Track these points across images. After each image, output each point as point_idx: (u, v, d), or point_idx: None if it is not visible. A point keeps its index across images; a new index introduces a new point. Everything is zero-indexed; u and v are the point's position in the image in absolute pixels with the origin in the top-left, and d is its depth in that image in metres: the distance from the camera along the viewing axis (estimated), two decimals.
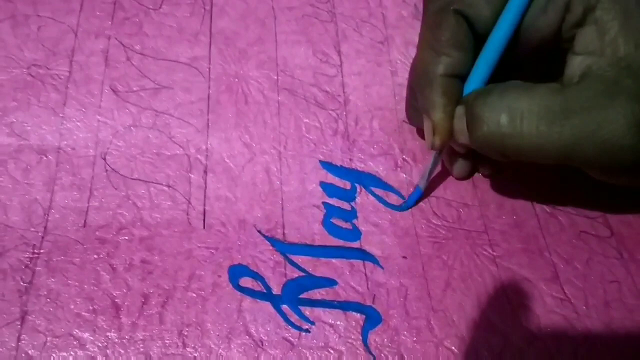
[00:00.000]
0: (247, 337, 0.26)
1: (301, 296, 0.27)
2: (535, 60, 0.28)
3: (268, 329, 0.26)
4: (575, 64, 0.26)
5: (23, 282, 0.25)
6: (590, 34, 0.25)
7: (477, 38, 0.27)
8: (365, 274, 0.28)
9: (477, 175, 0.32)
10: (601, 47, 0.25)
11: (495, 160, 0.28)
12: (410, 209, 0.30)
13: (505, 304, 0.28)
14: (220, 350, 0.25)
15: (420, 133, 0.33)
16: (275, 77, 0.34)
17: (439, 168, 0.32)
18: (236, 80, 0.33)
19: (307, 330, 0.26)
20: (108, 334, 0.25)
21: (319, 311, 0.27)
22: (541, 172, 0.33)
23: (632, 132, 0.23)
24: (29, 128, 0.29)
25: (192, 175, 0.30)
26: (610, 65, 0.24)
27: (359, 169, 0.31)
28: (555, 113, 0.24)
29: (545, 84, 0.25)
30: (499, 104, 0.25)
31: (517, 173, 0.32)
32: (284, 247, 0.28)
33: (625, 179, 0.26)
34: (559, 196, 0.32)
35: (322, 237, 0.29)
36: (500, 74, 0.27)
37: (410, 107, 0.32)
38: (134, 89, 0.32)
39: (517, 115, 0.25)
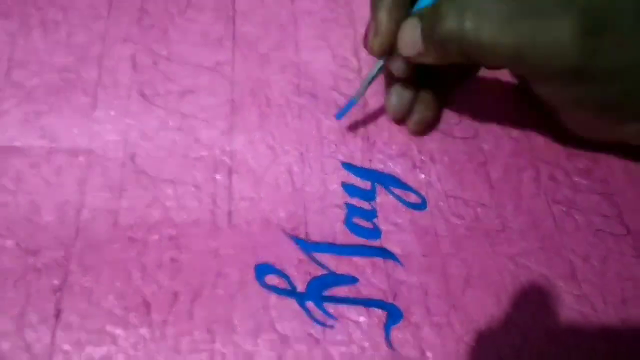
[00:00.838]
0: (274, 333, 0.27)
1: (325, 293, 0.28)
2: None
3: (293, 325, 0.27)
4: None
5: (57, 281, 0.26)
6: None
7: None
8: (387, 272, 0.29)
9: (494, 176, 0.33)
10: None
11: (432, 102, 0.32)
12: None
13: (524, 301, 0.29)
14: (248, 345, 0.26)
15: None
16: (297, 82, 0.34)
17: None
18: (258, 84, 0.34)
19: (331, 327, 0.27)
20: (140, 330, 0.26)
21: (342, 308, 0.28)
22: (556, 174, 0.33)
23: (579, 36, 0.26)
24: (61, 131, 0.30)
25: (218, 176, 0.30)
26: None
27: (378, 169, 0.32)
28: (514, 13, 0.26)
29: None
30: (466, 3, 0.27)
31: (532, 173, 0.33)
32: (307, 246, 0.29)
33: (568, 92, 0.29)
34: (573, 195, 0.33)
35: (344, 236, 0.30)
36: None
37: (366, 36, 0.32)
38: (161, 92, 0.32)
39: (480, 14, 0.27)
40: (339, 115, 0.32)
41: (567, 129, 0.33)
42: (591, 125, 0.32)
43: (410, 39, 0.29)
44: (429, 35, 0.28)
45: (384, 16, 0.30)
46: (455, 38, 0.27)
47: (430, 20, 0.28)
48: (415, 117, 0.33)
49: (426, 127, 0.34)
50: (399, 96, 0.33)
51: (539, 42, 0.26)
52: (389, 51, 0.30)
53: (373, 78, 0.31)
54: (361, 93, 0.32)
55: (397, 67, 0.31)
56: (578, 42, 0.26)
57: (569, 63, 0.27)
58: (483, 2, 0.27)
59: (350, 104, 0.32)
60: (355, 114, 0.34)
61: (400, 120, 0.34)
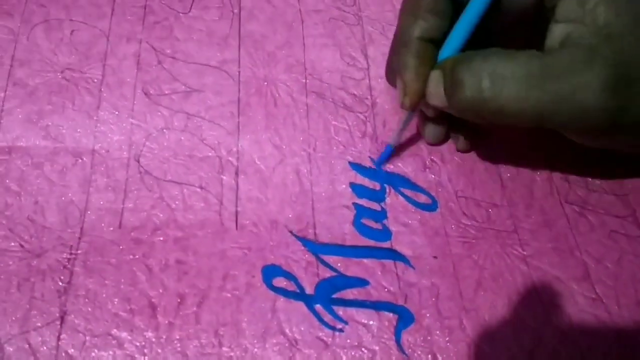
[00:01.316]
0: (282, 336, 0.26)
1: (334, 296, 0.27)
2: (517, 29, 0.29)
3: (302, 328, 0.26)
4: (556, 32, 0.27)
5: (62, 283, 0.26)
6: (571, 3, 0.26)
7: (458, 6, 0.29)
8: (397, 274, 0.28)
9: (505, 176, 0.32)
10: (582, 16, 0.26)
11: (468, 130, 0.31)
12: (436, 211, 0.31)
13: (537, 303, 0.28)
14: (256, 349, 0.26)
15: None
16: (304, 81, 0.34)
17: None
18: (265, 83, 0.33)
19: (340, 330, 0.27)
20: (145, 333, 0.25)
21: (351, 311, 0.27)
22: (569, 174, 0.33)
23: (606, 95, 0.25)
24: (64, 131, 0.30)
25: (224, 177, 0.30)
26: (590, 33, 0.25)
27: (387, 169, 0.32)
28: (535, 77, 0.25)
29: (526, 50, 0.26)
30: (481, 69, 0.26)
31: (545, 172, 0.32)
32: (315, 247, 0.29)
33: (600, 141, 0.28)
34: (587, 195, 0.32)
35: (353, 238, 0.29)
36: (483, 43, 0.28)
37: (390, 69, 0.33)
38: (166, 92, 0.32)
39: (499, 80, 0.26)
40: (379, 163, 0.32)
41: None
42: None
43: (436, 94, 0.28)
44: (450, 100, 0.27)
45: (411, 77, 0.29)
46: (476, 107, 0.27)
47: (449, 83, 0.27)
48: (460, 139, 0.32)
49: (473, 144, 0.33)
50: (434, 126, 0.32)
51: (563, 106, 0.25)
52: (418, 103, 0.29)
53: (405, 125, 0.31)
54: (396, 140, 0.31)
55: (429, 112, 0.31)
56: (604, 101, 0.25)
57: (596, 121, 0.25)
58: (500, 65, 0.26)
59: (388, 151, 0.32)
60: (364, 115, 0.33)
61: (439, 144, 0.33)
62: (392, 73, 0.32)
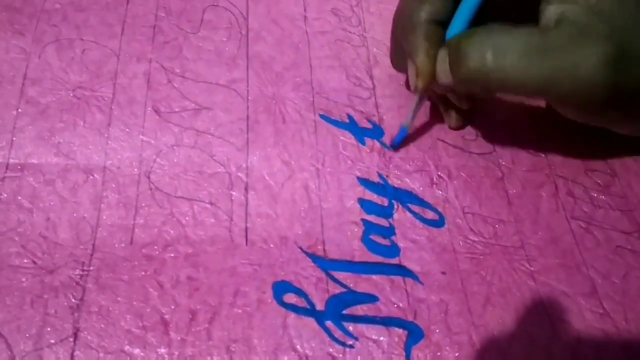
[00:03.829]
0: (293, 352, 0.26)
1: (344, 312, 0.28)
2: (512, 8, 0.30)
3: (313, 344, 0.26)
4: (550, 12, 0.28)
5: (74, 299, 0.26)
6: None
7: None
8: (406, 290, 0.29)
9: (512, 192, 0.32)
10: None
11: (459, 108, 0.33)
12: (445, 223, 0.31)
13: (545, 318, 0.29)
14: None
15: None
16: (311, 99, 0.34)
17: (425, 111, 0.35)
18: (273, 101, 0.34)
19: (351, 346, 0.27)
20: (158, 350, 0.25)
21: (361, 327, 0.27)
22: (574, 189, 0.33)
23: (603, 70, 0.26)
24: (76, 148, 0.30)
25: (234, 193, 0.30)
26: (583, 12, 0.27)
27: (395, 185, 0.32)
28: (535, 50, 0.27)
29: (525, 26, 0.28)
30: (485, 42, 0.27)
31: (550, 188, 0.33)
32: (325, 264, 0.29)
33: (595, 117, 0.29)
34: (593, 211, 0.32)
35: (361, 254, 0.29)
36: (479, 23, 0.29)
37: (395, 55, 0.34)
38: (176, 109, 0.32)
39: (501, 52, 0.27)
40: (394, 146, 0.33)
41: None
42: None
43: (443, 70, 0.29)
44: (455, 73, 0.29)
45: (423, 59, 0.30)
46: (479, 78, 0.28)
47: (454, 58, 0.28)
48: (453, 116, 0.34)
49: (465, 122, 0.35)
50: (456, 119, 0.34)
51: (564, 76, 0.26)
52: (430, 85, 0.31)
53: (417, 109, 0.32)
54: (409, 123, 0.33)
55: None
56: (601, 76, 0.26)
57: (593, 96, 0.27)
58: (503, 38, 0.27)
59: (402, 133, 0.33)
60: (371, 129, 0.34)
61: (461, 128, 0.35)
62: (400, 58, 0.33)
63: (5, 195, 0.28)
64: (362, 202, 0.31)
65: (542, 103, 0.36)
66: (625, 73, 0.26)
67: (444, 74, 0.29)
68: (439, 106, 0.35)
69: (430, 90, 0.32)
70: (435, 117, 0.35)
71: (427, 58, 0.30)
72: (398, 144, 0.33)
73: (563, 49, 0.26)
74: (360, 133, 0.33)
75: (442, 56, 0.29)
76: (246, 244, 0.29)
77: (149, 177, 0.30)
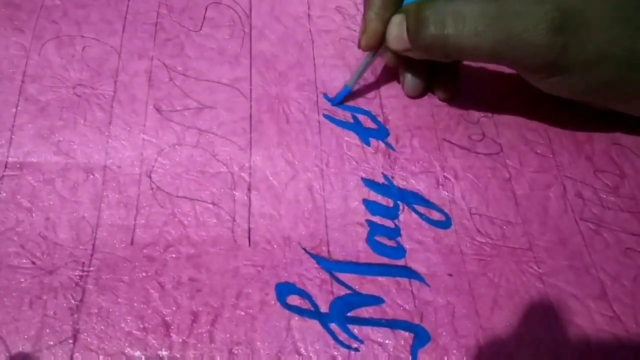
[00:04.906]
0: (297, 355, 0.25)
1: (349, 314, 0.27)
2: None
3: (317, 347, 0.26)
4: None
5: (74, 300, 0.25)
6: None
7: None
8: (412, 292, 0.28)
9: (519, 193, 0.32)
10: None
11: (446, 80, 0.34)
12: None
13: (554, 321, 0.28)
14: None
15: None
16: (315, 98, 0.34)
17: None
18: (277, 100, 0.33)
19: (356, 349, 0.26)
20: (159, 352, 0.25)
21: (367, 329, 0.27)
22: (583, 191, 0.32)
23: (550, 34, 0.28)
24: (76, 146, 0.30)
25: (236, 193, 0.30)
26: None
27: (400, 186, 0.31)
28: (490, 17, 0.28)
29: None
30: (444, 9, 0.29)
31: (559, 189, 0.32)
32: (329, 265, 0.28)
33: (551, 82, 0.30)
34: (602, 212, 0.32)
35: (367, 255, 0.29)
36: None
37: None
38: (178, 108, 0.32)
39: (460, 18, 0.29)
40: (334, 102, 0.34)
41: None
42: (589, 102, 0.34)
43: (397, 36, 0.31)
44: (414, 38, 0.30)
45: (372, 15, 0.31)
46: (438, 43, 0.29)
47: (414, 24, 0.30)
48: (441, 88, 0.35)
49: (453, 93, 0.35)
50: (411, 78, 0.34)
51: (514, 42, 0.28)
52: (377, 46, 0.32)
53: (364, 69, 0.33)
54: (353, 82, 0.34)
55: (388, 58, 0.34)
56: (549, 39, 0.28)
57: (543, 59, 0.29)
58: (460, 6, 0.29)
59: (345, 91, 0.34)
60: (376, 130, 0.33)
61: (417, 97, 0.35)
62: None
63: (4, 194, 0.28)
64: (367, 203, 0.31)
65: (550, 104, 0.35)
66: (573, 37, 0.28)
67: (396, 39, 0.31)
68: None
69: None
70: (439, 116, 0.34)
71: (376, 16, 0.31)
72: (338, 102, 0.34)
73: (515, 16, 0.28)
74: (365, 133, 0.33)
75: (397, 22, 0.30)
76: (249, 244, 0.28)
77: (150, 177, 0.29)
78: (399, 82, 0.35)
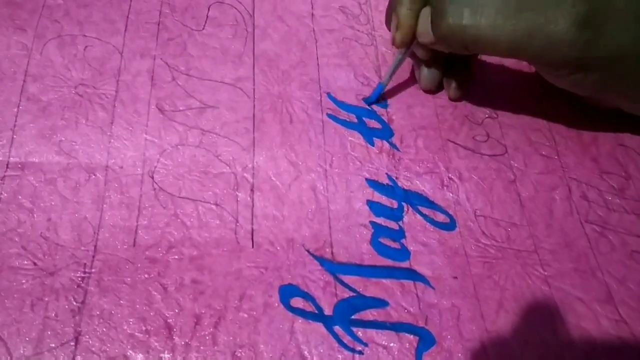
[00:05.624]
0: (301, 358, 0.25)
1: (353, 317, 0.27)
2: None
3: (321, 350, 0.26)
4: None
5: (76, 302, 0.25)
6: None
7: None
8: (417, 295, 0.28)
9: (524, 195, 0.32)
10: None
11: (460, 77, 0.34)
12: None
13: (560, 325, 0.28)
14: None
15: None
16: (319, 98, 0.34)
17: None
18: (280, 100, 0.33)
19: (360, 352, 0.26)
20: (162, 355, 0.24)
21: (371, 332, 0.26)
22: (588, 193, 0.32)
23: (574, 29, 0.27)
24: (77, 146, 0.29)
25: (239, 194, 0.29)
26: None
27: (405, 187, 0.31)
28: (510, 8, 0.28)
29: None
30: (464, 0, 0.29)
31: (564, 191, 0.32)
32: (333, 267, 0.28)
33: (570, 79, 0.30)
34: (607, 215, 0.32)
35: (371, 257, 0.29)
36: None
37: (388, 17, 0.34)
38: (180, 108, 0.32)
39: (478, 10, 0.28)
40: (369, 101, 0.34)
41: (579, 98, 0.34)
42: (598, 100, 0.33)
43: (424, 29, 0.31)
44: (434, 28, 0.30)
45: (404, 11, 0.31)
46: (457, 34, 0.29)
47: (435, 14, 0.30)
48: (452, 85, 0.34)
49: (464, 92, 0.35)
50: (428, 71, 0.34)
51: (535, 37, 0.28)
52: (411, 42, 0.32)
53: (397, 65, 0.33)
54: (387, 79, 0.34)
55: (420, 52, 0.33)
56: (572, 34, 0.27)
57: (564, 54, 0.28)
58: None
59: (379, 89, 0.34)
60: (380, 130, 0.33)
61: (431, 91, 0.35)
62: (390, 17, 0.34)
63: (6, 194, 0.27)
64: (371, 204, 0.30)
65: (555, 105, 0.35)
66: (593, 42, 0.28)
67: (425, 32, 0.30)
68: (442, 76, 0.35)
69: (417, 55, 0.33)
70: (444, 117, 0.34)
71: (408, 11, 0.31)
72: (373, 101, 0.34)
73: (536, 8, 0.27)
74: (369, 133, 0.33)
75: (425, 14, 0.30)
76: (252, 246, 0.28)
77: (152, 177, 0.29)
78: (403, 82, 0.35)
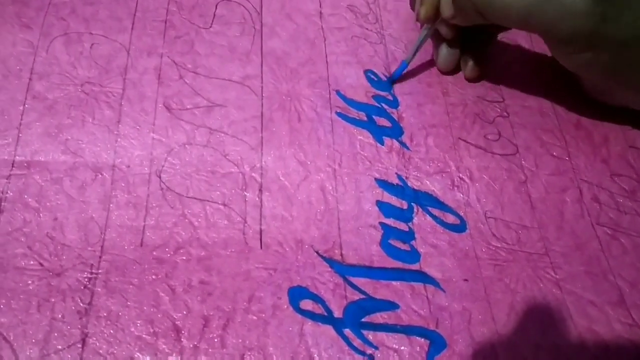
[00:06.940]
0: None
1: (363, 320, 0.26)
2: None
3: (331, 353, 0.25)
4: None
5: (83, 303, 0.25)
6: None
7: None
8: (427, 297, 0.27)
9: (535, 196, 0.31)
10: None
11: (477, 56, 0.34)
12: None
13: (572, 328, 0.27)
14: None
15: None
16: (328, 96, 0.33)
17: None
18: (289, 98, 0.33)
19: (370, 356, 0.25)
20: (170, 357, 0.24)
21: (382, 335, 0.26)
22: (599, 195, 0.32)
23: (588, 4, 0.27)
24: (84, 145, 0.29)
25: (248, 194, 0.29)
26: None
27: (415, 187, 0.31)
28: None
29: None
30: None
31: (575, 193, 0.32)
32: (342, 269, 0.28)
33: (580, 58, 0.29)
34: (619, 217, 0.31)
35: (380, 259, 0.28)
36: None
37: None
38: (188, 106, 0.31)
39: None
40: (392, 78, 0.35)
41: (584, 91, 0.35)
42: (602, 89, 0.33)
43: (447, 2, 0.31)
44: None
45: None
46: (470, 2, 0.29)
47: None
48: (469, 64, 0.35)
49: (481, 73, 0.35)
50: (447, 51, 0.35)
51: (550, 5, 0.27)
52: (435, 18, 0.32)
53: (421, 42, 0.34)
54: (411, 56, 0.34)
55: (444, 30, 0.33)
56: (588, 5, 0.27)
57: (577, 27, 0.27)
58: None
59: (403, 66, 0.34)
60: (390, 128, 0.32)
61: (449, 72, 0.35)
62: None
63: (11, 193, 0.27)
64: (381, 204, 0.30)
65: (567, 105, 0.35)
66: (610, 19, 0.27)
67: (447, 6, 0.31)
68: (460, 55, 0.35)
69: (436, 35, 0.34)
70: (455, 114, 0.34)
71: None
72: (397, 77, 0.34)
73: None
74: (378, 132, 0.32)
75: None
76: (261, 247, 0.28)
77: (159, 177, 0.29)
78: (411, 77, 0.35)
